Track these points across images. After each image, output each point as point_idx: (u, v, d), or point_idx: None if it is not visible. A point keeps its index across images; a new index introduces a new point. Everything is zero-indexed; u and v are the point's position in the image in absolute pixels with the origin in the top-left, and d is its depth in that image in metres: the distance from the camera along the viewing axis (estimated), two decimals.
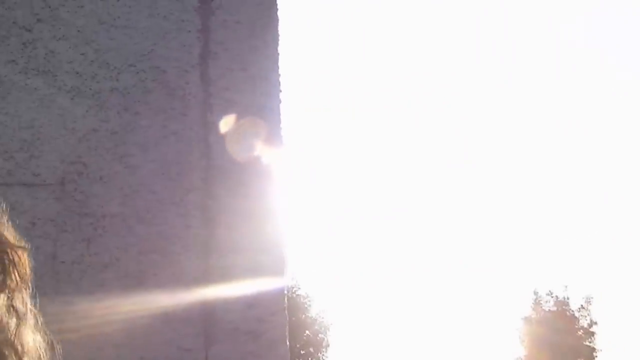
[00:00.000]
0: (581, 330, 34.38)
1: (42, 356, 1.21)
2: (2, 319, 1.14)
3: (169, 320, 2.48)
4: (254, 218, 3.04)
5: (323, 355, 33.91)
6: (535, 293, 34.71)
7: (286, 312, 3.25)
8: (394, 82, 55.70)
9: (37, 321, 1.20)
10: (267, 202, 3.26)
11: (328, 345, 34.08)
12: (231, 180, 3.10)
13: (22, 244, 1.20)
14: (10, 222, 1.21)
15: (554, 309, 34.39)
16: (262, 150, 3.16)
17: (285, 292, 2.75)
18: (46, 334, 1.22)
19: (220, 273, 2.80)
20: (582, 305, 34.53)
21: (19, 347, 1.17)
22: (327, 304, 34.19)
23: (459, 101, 56.83)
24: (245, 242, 3.06)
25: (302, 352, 33.11)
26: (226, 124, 3.08)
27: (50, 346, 1.23)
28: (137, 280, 2.46)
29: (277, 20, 3.14)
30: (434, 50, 56.87)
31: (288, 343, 3.10)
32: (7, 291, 1.15)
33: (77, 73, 2.63)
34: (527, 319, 34.26)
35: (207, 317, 2.74)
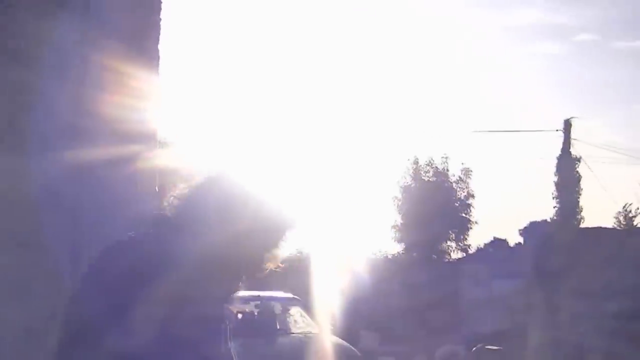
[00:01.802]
0: (458, 202, 34.88)
1: None
2: None
3: None
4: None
5: None
6: (416, 162, 34.84)
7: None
8: None
9: None
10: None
11: None
12: None
13: None
14: None
15: (433, 179, 34.66)
16: None
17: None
18: None
19: None
20: (460, 177, 34.92)
21: None
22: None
23: None
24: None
25: None
26: None
27: None
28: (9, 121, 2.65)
29: None
30: None
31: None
32: None
33: None
34: (405, 188, 34.44)
35: None
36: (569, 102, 54.73)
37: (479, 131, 38.36)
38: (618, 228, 26.30)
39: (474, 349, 18.32)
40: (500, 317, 21.90)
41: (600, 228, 21.26)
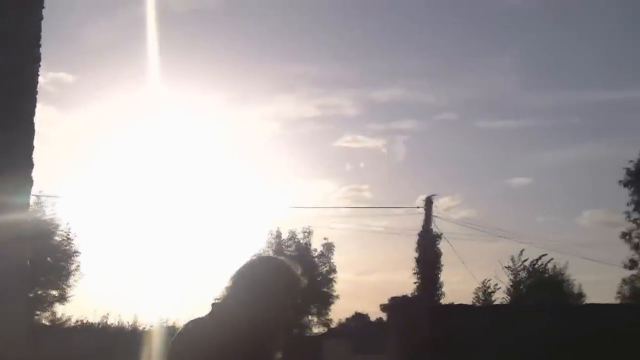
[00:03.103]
0: (320, 277, 34.89)
1: None
2: None
3: None
4: None
5: (63, 283, 31.96)
6: (278, 236, 34.75)
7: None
8: None
9: None
10: None
11: (70, 273, 32.17)
12: None
13: None
14: None
15: (296, 253, 34.59)
16: None
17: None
18: None
19: None
20: (322, 252, 35.01)
21: None
22: (75, 231, 32.16)
23: None
24: None
25: (42, 279, 31.21)
26: None
27: None
28: None
29: None
30: None
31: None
32: None
33: None
34: None
35: None
36: (430, 177, 56.23)
37: (343, 207, 38.69)
38: (477, 305, 26.89)
39: None
40: None
41: (460, 305, 21.61)
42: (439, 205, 30.34)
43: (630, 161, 34.07)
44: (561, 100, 55.06)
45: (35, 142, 3.69)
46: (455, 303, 22.69)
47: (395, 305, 21.39)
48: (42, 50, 3.80)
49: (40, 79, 3.80)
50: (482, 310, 24.16)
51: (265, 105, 59.35)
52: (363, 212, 72.61)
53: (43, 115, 43.69)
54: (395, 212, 37.47)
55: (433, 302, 26.36)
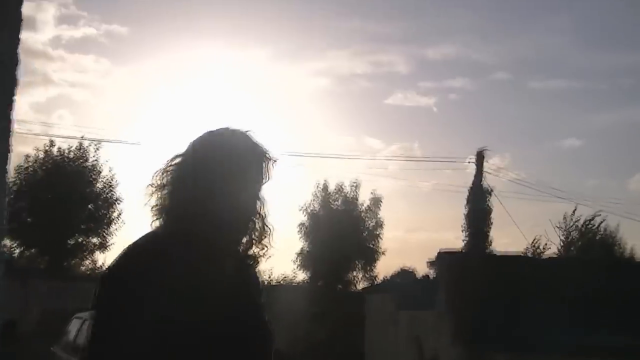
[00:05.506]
0: (366, 232, 34.19)
1: None
2: None
3: None
4: None
5: (104, 231, 31.65)
6: (325, 189, 34.03)
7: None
8: None
9: None
10: None
11: (111, 221, 31.80)
12: None
13: None
14: None
15: (342, 207, 33.87)
16: None
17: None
18: None
19: None
20: (369, 207, 34.23)
21: None
22: (116, 179, 31.72)
23: None
24: None
25: (82, 226, 31.00)
26: None
27: None
28: None
29: None
30: None
31: None
32: None
33: None
34: (314, 214, 33.54)
35: None
36: (480, 137, 55.29)
37: (394, 159, 37.87)
38: (529, 256, 26.03)
39: None
40: (408, 349, 21.13)
41: (513, 256, 20.82)
42: (489, 163, 29.22)
43: None
44: (614, 61, 53.47)
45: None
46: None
47: (445, 257, 20.67)
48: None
49: None
50: (536, 261, 23.36)
51: (317, 61, 58.57)
52: (412, 169, 71.92)
53: (97, 67, 44.09)
54: (444, 170, 36.57)
55: (482, 254, 25.49)
